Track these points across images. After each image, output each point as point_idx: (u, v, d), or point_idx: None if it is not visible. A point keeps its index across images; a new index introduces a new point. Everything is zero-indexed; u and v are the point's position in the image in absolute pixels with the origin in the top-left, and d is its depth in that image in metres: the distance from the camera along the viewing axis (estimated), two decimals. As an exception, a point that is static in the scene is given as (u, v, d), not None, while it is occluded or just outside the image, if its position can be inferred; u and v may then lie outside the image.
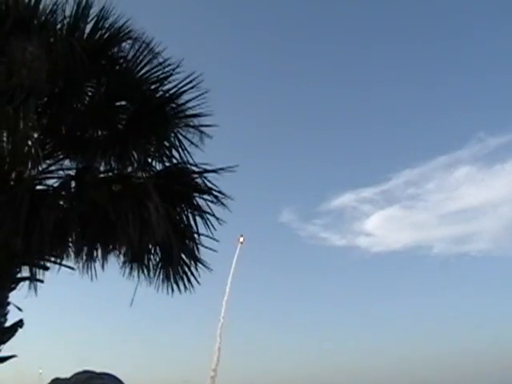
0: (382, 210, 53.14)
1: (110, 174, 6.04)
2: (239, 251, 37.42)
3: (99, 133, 6.12)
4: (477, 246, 49.86)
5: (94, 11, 5.85)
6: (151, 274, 6.07)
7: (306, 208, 52.38)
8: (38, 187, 5.88)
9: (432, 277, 47.17)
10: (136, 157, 6.04)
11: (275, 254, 48.10)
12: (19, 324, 5.74)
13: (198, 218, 6.04)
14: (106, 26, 5.89)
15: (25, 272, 5.77)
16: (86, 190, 5.44)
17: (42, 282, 5.82)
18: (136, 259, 6.00)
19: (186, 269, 5.99)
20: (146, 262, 6.03)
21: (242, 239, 37.45)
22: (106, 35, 5.93)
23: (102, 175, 6.00)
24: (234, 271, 36.98)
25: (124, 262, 6.03)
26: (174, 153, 6.08)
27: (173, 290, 6.04)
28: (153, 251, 6.00)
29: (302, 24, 49.88)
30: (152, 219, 5.25)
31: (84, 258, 5.86)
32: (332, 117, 53.62)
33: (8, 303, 5.73)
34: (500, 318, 40.74)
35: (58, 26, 5.90)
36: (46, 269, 5.80)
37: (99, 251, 5.91)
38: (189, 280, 6.02)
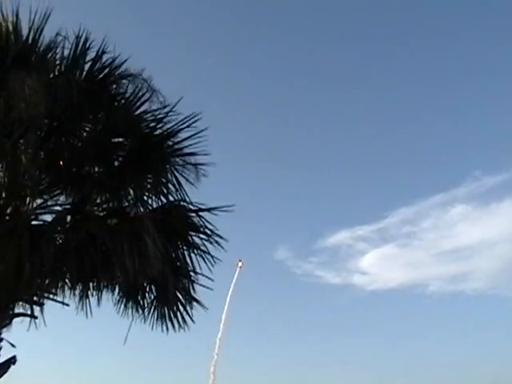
0: (378, 248, 52.89)
1: (106, 207, 6.01)
2: (238, 276, 35.79)
3: (96, 169, 6.10)
4: (472, 284, 49.42)
5: (93, 47, 5.87)
6: (146, 312, 6.06)
7: (301, 245, 52.60)
8: (34, 222, 5.87)
9: (427, 315, 46.90)
10: (132, 194, 6.03)
11: (271, 290, 48.02)
12: (12, 360, 5.72)
13: (193, 256, 6.03)
14: (106, 62, 5.91)
15: (17, 308, 5.76)
16: (82, 223, 5.42)
17: (35, 317, 5.81)
18: (131, 296, 5.99)
19: (181, 307, 5.98)
20: (140, 299, 6.01)
21: (240, 264, 35.76)
22: (105, 71, 5.94)
23: (98, 209, 5.97)
24: (231, 299, 35.58)
25: (118, 300, 6.02)
26: (171, 190, 6.09)
27: (167, 328, 6.03)
28: (147, 289, 5.99)
29: (304, 63, 49.74)
30: (149, 251, 5.19)
31: (79, 293, 5.86)
32: (328, 155, 53.48)
33: (1, 339, 5.70)
34: (496, 358, 40.48)
35: (58, 61, 5.90)
36: (41, 305, 5.79)
37: (94, 286, 5.89)
38: (183, 318, 6.02)
